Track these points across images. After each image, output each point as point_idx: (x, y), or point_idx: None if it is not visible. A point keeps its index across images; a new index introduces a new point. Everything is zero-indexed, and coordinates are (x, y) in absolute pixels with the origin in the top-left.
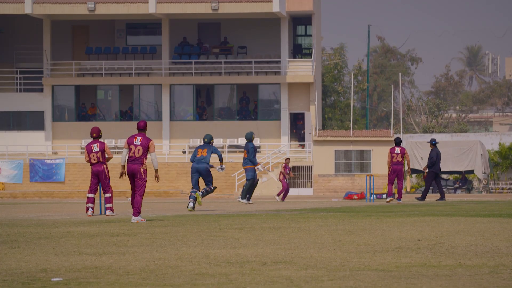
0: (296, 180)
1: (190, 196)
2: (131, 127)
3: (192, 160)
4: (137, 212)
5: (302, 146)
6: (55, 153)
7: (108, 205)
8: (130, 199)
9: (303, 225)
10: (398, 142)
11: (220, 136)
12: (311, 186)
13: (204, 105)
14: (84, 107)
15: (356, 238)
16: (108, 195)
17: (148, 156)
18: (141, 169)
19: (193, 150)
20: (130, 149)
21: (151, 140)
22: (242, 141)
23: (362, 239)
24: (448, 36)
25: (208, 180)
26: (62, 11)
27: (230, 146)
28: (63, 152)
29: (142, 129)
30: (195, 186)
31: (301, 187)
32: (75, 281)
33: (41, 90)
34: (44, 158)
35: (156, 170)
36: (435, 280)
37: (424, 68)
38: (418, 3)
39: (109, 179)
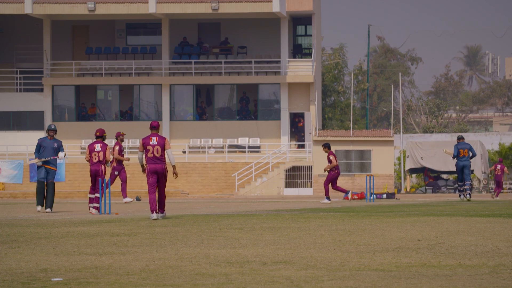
0: (296, 180)
1: (462, 190)
2: (131, 127)
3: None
4: (163, 209)
5: (302, 147)
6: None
7: (96, 204)
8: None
9: (303, 225)
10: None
11: (220, 136)
12: (311, 186)
13: (204, 105)
14: (84, 107)
15: (356, 238)
16: (97, 195)
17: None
18: (165, 167)
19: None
20: (148, 150)
21: (165, 138)
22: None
23: (362, 239)
24: (448, 36)
25: (467, 173)
26: (62, 11)
27: (230, 146)
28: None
29: (155, 128)
30: (461, 180)
31: (301, 187)
32: (75, 281)
33: (41, 90)
34: None
35: (174, 166)
36: (435, 280)
37: (424, 68)
38: (418, 3)
39: (104, 180)
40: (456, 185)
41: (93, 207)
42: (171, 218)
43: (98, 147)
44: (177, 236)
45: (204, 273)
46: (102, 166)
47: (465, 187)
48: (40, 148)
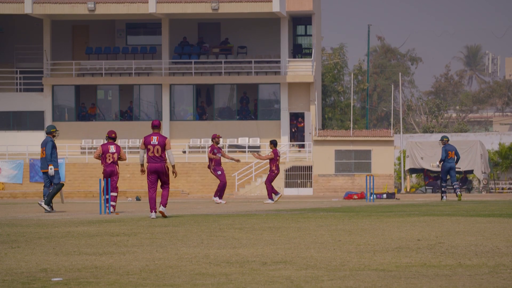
0: (296, 180)
1: (445, 192)
2: (131, 127)
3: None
4: (165, 203)
5: (302, 147)
6: None
7: (112, 203)
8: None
9: (303, 225)
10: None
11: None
12: (311, 186)
13: (204, 105)
14: (84, 107)
15: (356, 238)
16: (114, 194)
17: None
18: (165, 166)
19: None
20: (148, 149)
21: (166, 138)
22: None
23: (362, 239)
24: (448, 36)
25: (453, 175)
26: (62, 11)
27: (230, 146)
28: (63, 152)
29: (157, 127)
30: (445, 181)
31: (301, 187)
32: (75, 281)
33: (41, 90)
34: None
35: (173, 166)
36: (435, 280)
37: (424, 68)
38: (418, 3)
39: (117, 179)
40: (454, 186)
41: (112, 206)
42: (171, 218)
43: (112, 148)
44: (177, 236)
45: (204, 273)
46: (117, 167)
47: (455, 187)
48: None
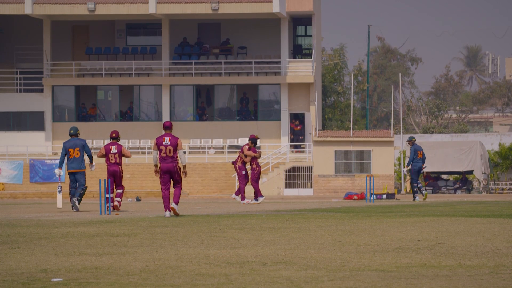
0: (296, 181)
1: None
2: (131, 127)
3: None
4: (177, 202)
5: (300, 147)
6: (55, 154)
7: (117, 199)
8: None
9: (303, 225)
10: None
11: (220, 137)
12: (311, 187)
13: (204, 105)
14: (84, 107)
15: (356, 238)
16: (120, 190)
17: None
18: (177, 166)
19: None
20: (161, 150)
21: (178, 138)
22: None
23: (362, 240)
24: (448, 36)
25: (419, 175)
26: (62, 11)
27: (230, 147)
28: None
29: (168, 128)
30: (417, 181)
31: (301, 187)
32: (75, 281)
33: (41, 91)
34: (44, 158)
35: (184, 166)
36: (435, 281)
37: (424, 69)
38: (418, 3)
39: (122, 178)
40: (419, 185)
41: (117, 201)
42: (171, 218)
43: (114, 148)
44: (177, 236)
45: (204, 274)
46: (120, 167)
47: (419, 186)
48: None
